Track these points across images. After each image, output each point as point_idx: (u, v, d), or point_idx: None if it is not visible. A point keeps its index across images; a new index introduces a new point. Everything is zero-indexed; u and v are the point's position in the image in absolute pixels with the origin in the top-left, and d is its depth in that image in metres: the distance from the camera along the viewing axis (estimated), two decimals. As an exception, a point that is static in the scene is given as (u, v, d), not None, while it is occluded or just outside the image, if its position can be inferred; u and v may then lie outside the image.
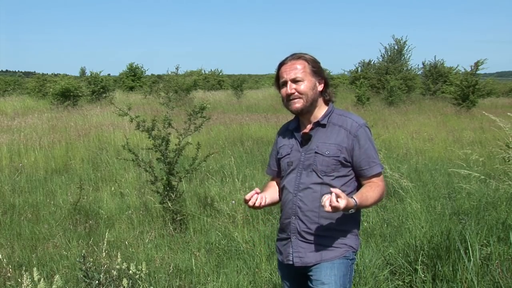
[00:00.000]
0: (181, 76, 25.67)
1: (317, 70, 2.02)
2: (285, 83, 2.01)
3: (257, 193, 2.01)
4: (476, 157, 5.47)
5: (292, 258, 2.01)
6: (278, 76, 2.05)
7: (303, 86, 1.98)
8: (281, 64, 2.03)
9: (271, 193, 2.16)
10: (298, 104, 1.99)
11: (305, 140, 2.03)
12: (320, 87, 2.03)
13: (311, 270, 1.99)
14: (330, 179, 1.96)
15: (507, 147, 4.61)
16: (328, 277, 1.94)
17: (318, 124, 2.03)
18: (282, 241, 2.11)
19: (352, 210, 1.84)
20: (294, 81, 1.98)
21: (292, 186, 2.02)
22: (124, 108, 4.78)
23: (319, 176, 1.96)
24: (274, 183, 2.23)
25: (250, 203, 1.97)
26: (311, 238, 1.98)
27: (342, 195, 1.76)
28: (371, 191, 1.95)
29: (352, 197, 1.86)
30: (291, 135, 2.10)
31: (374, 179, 1.99)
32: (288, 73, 1.99)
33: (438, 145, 9.12)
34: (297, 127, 2.10)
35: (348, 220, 2.00)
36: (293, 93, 1.98)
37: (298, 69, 1.98)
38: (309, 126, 2.06)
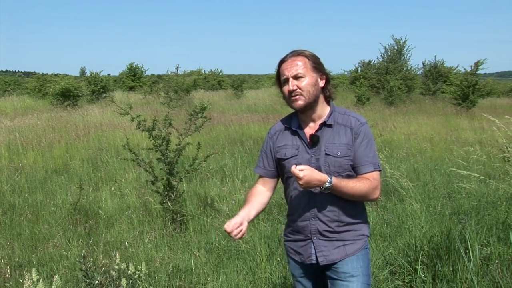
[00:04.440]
0: (181, 76, 25.64)
1: (317, 65, 2.00)
2: (286, 80, 1.98)
3: (240, 225, 1.94)
4: (476, 157, 5.47)
5: (316, 258, 2.03)
6: (279, 74, 2.03)
7: (304, 83, 1.96)
8: (281, 62, 2.01)
9: (256, 203, 2.09)
10: (300, 101, 1.96)
11: (314, 141, 1.99)
12: (321, 83, 2.02)
13: (335, 263, 2.02)
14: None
15: (507, 147, 4.61)
16: (356, 269, 1.99)
17: (324, 125, 2.01)
18: (298, 242, 2.09)
19: (328, 187, 1.87)
20: (296, 77, 1.96)
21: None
22: (125, 107, 4.78)
23: None
24: (258, 190, 2.15)
25: (233, 235, 1.92)
26: (333, 235, 2.01)
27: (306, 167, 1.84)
28: (356, 181, 1.94)
29: (329, 175, 1.89)
30: (293, 135, 2.06)
31: (366, 175, 1.98)
32: (289, 70, 1.97)
33: (438, 145, 9.13)
34: (298, 126, 2.06)
35: (360, 210, 2.07)
36: (295, 90, 1.96)
37: (299, 66, 1.96)
38: (312, 125, 2.03)
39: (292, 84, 1.96)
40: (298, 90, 1.96)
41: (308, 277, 2.13)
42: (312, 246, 2.03)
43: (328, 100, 2.07)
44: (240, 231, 1.93)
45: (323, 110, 2.04)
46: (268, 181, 2.15)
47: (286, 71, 1.98)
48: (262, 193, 2.14)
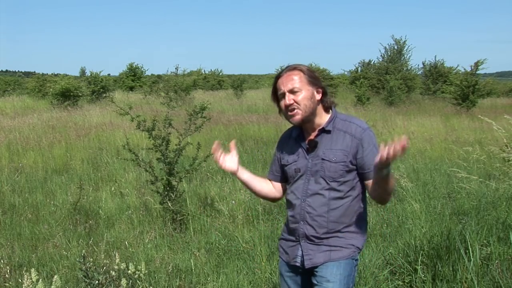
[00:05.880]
0: (181, 76, 25.64)
1: (313, 79, 2.02)
2: (283, 95, 2.01)
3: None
4: (476, 156, 5.47)
5: (301, 261, 2.05)
6: (275, 89, 2.06)
7: (301, 96, 1.98)
8: (277, 77, 2.04)
9: (258, 180, 2.23)
10: (298, 116, 1.99)
11: (312, 146, 2.03)
12: (318, 96, 2.03)
13: (317, 267, 2.02)
14: (337, 185, 1.99)
15: (506, 147, 4.61)
16: (334, 275, 1.97)
17: (323, 131, 2.03)
18: (288, 242, 2.14)
19: (389, 171, 1.81)
20: (292, 91, 1.98)
21: (300, 192, 2.04)
22: (125, 107, 4.78)
23: (327, 182, 1.99)
24: (268, 181, 2.27)
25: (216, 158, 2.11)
26: (320, 241, 2.02)
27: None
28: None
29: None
30: (295, 142, 2.11)
31: None
32: (285, 85, 1.99)
33: (438, 145, 9.12)
34: (300, 134, 2.10)
35: (356, 221, 2.04)
36: (292, 104, 1.98)
37: (295, 80, 1.98)
38: (314, 133, 2.06)
39: (288, 99, 1.98)
40: (295, 104, 1.98)
41: (292, 278, 2.16)
42: (300, 249, 2.06)
43: (328, 109, 2.08)
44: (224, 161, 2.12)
45: (322, 120, 2.06)
46: (276, 184, 2.25)
47: (282, 85, 2.01)
48: (268, 183, 2.25)
